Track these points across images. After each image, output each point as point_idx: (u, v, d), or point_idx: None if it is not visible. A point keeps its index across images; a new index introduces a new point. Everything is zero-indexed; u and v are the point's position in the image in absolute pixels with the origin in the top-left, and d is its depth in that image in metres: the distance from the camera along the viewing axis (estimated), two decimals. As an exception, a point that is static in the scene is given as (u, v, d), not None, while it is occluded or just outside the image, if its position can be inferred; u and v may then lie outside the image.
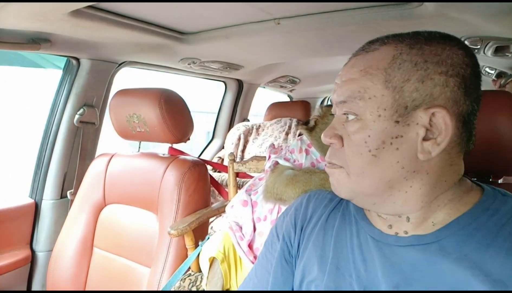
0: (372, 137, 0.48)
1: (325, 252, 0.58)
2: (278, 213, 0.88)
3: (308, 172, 0.82)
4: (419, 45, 0.48)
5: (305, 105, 2.40)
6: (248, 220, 0.92)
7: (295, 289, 0.61)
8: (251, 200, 0.94)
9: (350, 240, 0.56)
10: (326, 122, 0.90)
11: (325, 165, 0.57)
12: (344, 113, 0.52)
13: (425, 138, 0.47)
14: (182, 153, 1.40)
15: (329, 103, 3.34)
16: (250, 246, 0.92)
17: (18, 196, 1.49)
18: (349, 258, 0.54)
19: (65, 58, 1.42)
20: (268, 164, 0.92)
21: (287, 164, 0.89)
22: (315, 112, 0.95)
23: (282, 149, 0.97)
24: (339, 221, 0.60)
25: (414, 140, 0.47)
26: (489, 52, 1.17)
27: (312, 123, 0.93)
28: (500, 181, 0.85)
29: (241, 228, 0.95)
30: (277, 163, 0.91)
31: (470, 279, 0.44)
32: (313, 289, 0.56)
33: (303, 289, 0.58)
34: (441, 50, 0.47)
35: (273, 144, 1.00)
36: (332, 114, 0.85)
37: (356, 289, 0.51)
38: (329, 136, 0.53)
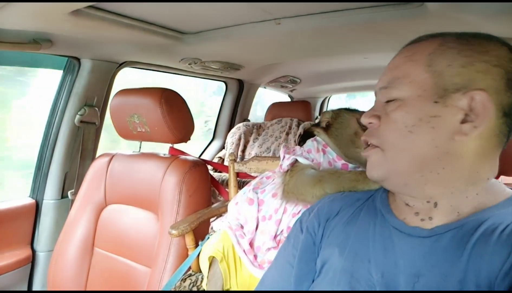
0: (410, 114, 0.51)
1: (347, 240, 0.59)
2: (283, 213, 0.88)
3: (334, 173, 0.81)
4: (466, 37, 0.52)
5: (305, 105, 2.39)
6: (252, 218, 0.92)
7: (316, 274, 0.62)
8: (258, 198, 0.94)
9: (373, 230, 0.57)
10: (341, 122, 0.92)
11: (364, 149, 0.60)
12: (386, 98, 0.55)
13: (463, 121, 0.49)
14: (183, 153, 1.40)
15: (329, 104, 3.33)
16: (251, 245, 0.92)
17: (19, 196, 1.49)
18: (369, 245, 0.56)
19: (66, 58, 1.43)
20: (286, 162, 0.91)
21: (307, 162, 0.88)
22: (325, 115, 0.96)
23: (295, 150, 0.97)
24: (364, 214, 0.61)
25: (451, 121, 0.49)
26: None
27: (323, 124, 0.95)
28: (499, 181, 0.85)
29: (242, 226, 0.95)
30: (295, 161, 0.90)
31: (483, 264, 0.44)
32: (331, 272, 0.58)
33: (323, 274, 0.60)
34: (487, 43, 0.50)
35: (286, 146, 1.00)
36: (348, 114, 0.88)
37: (374, 274, 0.52)
38: (368, 116, 0.58)
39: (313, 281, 0.62)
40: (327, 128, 0.93)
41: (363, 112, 0.88)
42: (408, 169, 0.53)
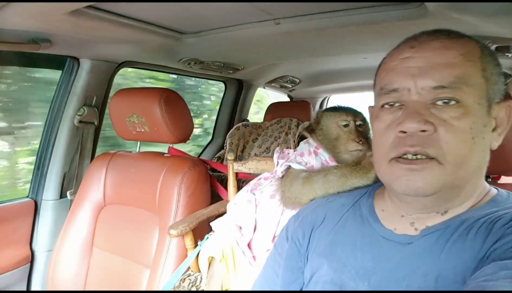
0: (476, 124, 0.48)
1: (335, 250, 0.59)
2: (281, 213, 0.88)
3: (322, 171, 0.81)
4: (485, 42, 0.51)
5: (305, 105, 2.39)
6: (250, 219, 0.92)
7: (305, 285, 0.62)
8: (255, 199, 0.94)
9: (361, 239, 0.57)
10: (321, 127, 0.91)
11: (406, 162, 0.49)
12: (440, 99, 0.48)
13: (493, 130, 0.51)
14: (182, 153, 1.39)
15: (329, 104, 3.33)
16: (249, 246, 0.92)
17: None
18: (357, 256, 0.55)
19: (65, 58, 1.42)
20: (280, 169, 0.91)
21: (300, 167, 0.88)
22: (314, 115, 0.96)
23: (289, 153, 0.96)
24: (351, 223, 0.60)
25: (490, 131, 0.50)
26: (489, 53, 1.16)
27: (312, 127, 0.94)
28: (499, 181, 0.85)
29: (240, 227, 0.94)
30: (289, 167, 0.90)
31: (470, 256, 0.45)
32: (320, 284, 0.57)
33: (312, 284, 0.59)
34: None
35: (280, 150, 0.99)
36: (328, 119, 0.86)
37: (361, 285, 0.52)
38: (422, 122, 0.47)
39: (300, 289, 0.62)
40: (312, 132, 0.93)
41: (343, 113, 0.89)
42: (463, 182, 0.49)
